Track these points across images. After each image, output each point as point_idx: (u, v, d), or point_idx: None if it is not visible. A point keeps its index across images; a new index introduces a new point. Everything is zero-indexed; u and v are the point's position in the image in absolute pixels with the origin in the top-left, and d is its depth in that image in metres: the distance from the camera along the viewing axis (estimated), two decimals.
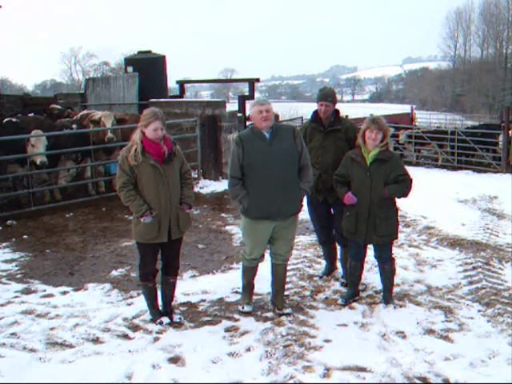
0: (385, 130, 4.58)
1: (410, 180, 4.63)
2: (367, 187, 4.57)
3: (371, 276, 5.44)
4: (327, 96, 5.06)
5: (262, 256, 4.75)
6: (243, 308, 4.74)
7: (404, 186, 4.61)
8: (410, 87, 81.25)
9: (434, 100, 65.68)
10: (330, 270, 5.58)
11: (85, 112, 10.58)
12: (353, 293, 4.95)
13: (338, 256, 5.48)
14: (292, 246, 4.76)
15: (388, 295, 4.86)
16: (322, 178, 5.06)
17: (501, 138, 13.82)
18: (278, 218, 4.44)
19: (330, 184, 5.07)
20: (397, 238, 4.89)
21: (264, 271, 4.87)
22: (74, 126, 9.29)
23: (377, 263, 4.98)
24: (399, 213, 4.89)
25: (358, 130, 5.27)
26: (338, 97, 5.63)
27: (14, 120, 8.78)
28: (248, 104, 8.87)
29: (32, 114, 10.72)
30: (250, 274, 4.76)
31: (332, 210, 5.28)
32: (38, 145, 8.12)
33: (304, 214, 5.54)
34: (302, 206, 4.60)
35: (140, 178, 4.23)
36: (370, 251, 5.00)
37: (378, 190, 4.56)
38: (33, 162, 8.15)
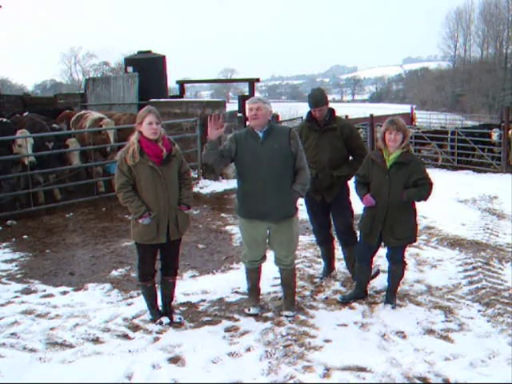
0: (404, 131, 4.50)
1: (430, 184, 4.57)
2: (385, 190, 4.52)
3: None
4: (317, 102, 4.99)
5: (264, 257, 4.68)
6: (249, 310, 4.70)
7: (423, 189, 4.55)
8: (410, 87, 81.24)
9: (433, 100, 65.64)
10: (327, 272, 5.55)
11: (81, 112, 10.55)
12: (359, 292, 4.92)
13: (340, 256, 5.48)
14: (292, 250, 4.60)
15: (390, 296, 4.84)
16: (318, 177, 5.03)
17: (494, 136, 13.83)
18: (268, 219, 4.38)
19: (327, 183, 5.05)
20: (415, 240, 4.84)
21: (265, 271, 4.87)
22: (55, 125, 9.29)
23: (387, 263, 4.93)
24: None
25: (353, 128, 5.27)
26: (338, 97, 5.64)
27: (4, 120, 8.74)
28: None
29: (26, 113, 10.69)
30: (253, 277, 4.72)
31: (331, 209, 5.25)
32: (25, 145, 7.99)
33: (304, 214, 5.54)
34: (296, 208, 4.50)
35: (138, 179, 4.22)
36: (377, 252, 4.97)
37: (396, 194, 4.50)
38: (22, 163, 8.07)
